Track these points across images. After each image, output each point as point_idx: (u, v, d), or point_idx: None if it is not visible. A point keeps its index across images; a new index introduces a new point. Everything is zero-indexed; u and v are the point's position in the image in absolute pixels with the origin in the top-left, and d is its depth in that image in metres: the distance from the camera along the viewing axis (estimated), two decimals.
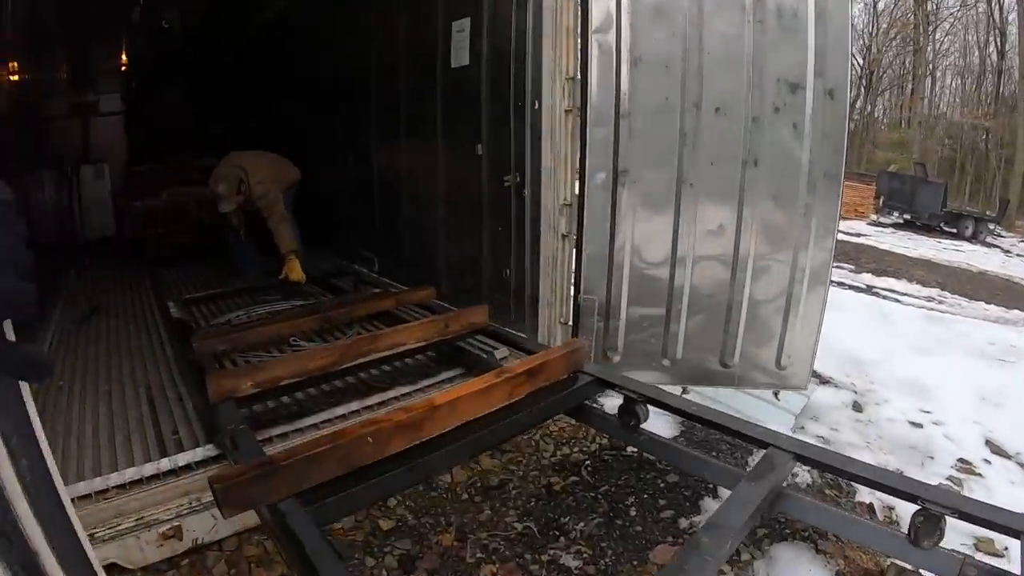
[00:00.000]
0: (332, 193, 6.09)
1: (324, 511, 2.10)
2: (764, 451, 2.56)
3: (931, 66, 30.80)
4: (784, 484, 2.41)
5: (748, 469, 2.79)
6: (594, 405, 3.36)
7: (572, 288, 3.68)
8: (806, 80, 3.30)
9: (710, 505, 3.13)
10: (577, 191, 3.55)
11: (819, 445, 2.74)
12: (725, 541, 1.96)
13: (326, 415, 3.00)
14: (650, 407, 2.95)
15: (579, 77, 3.47)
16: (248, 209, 5.30)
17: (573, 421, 3.64)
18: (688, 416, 2.87)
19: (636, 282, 3.61)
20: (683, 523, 3.04)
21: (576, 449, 3.62)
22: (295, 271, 5.02)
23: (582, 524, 2.97)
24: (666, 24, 3.36)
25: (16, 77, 4.77)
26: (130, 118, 8.76)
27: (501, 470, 3.39)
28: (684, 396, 3.77)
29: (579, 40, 3.44)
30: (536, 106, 3.56)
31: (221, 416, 2.65)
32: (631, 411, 2.92)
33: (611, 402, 3.48)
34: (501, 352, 3.54)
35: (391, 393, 3.24)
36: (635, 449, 3.42)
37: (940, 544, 2.17)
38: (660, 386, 3.36)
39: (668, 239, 3.56)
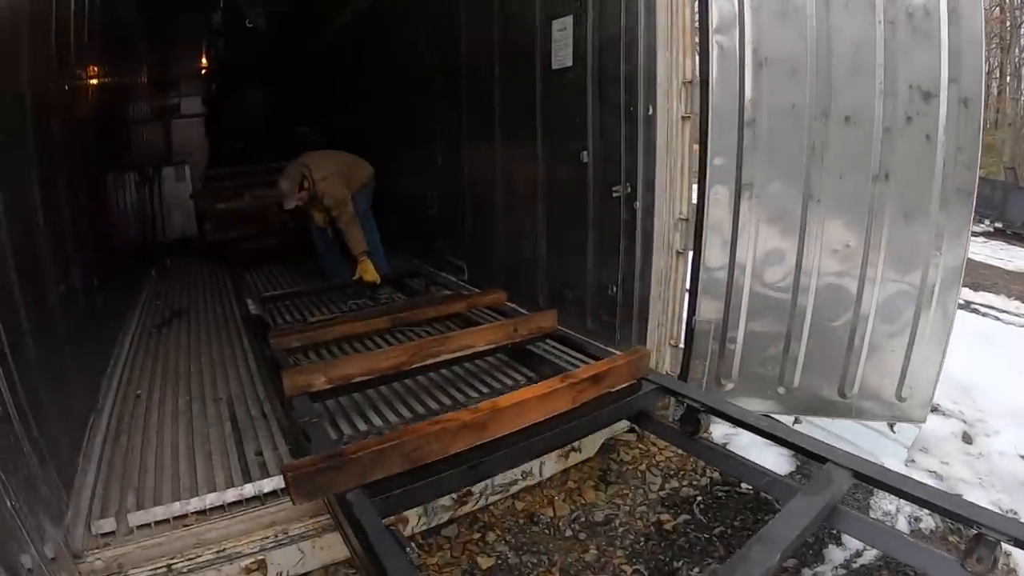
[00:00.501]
0: (416, 197, 5.98)
1: (388, 503, 2.19)
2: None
3: (1019, 64, 29.02)
4: (840, 499, 2.31)
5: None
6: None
7: (686, 309, 3.39)
8: (939, 87, 2.96)
9: (835, 555, 2.89)
10: (694, 204, 3.25)
11: (876, 463, 2.50)
12: (774, 554, 1.92)
13: (394, 412, 3.13)
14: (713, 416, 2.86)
15: (697, 80, 3.18)
16: (319, 208, 5.30)
17: (680, 451, 3.41)
18: (747, 427, 2.73)
19: (755, 304, 3.32)
20: (807, 573, 2.75)
21: (686, 482, 3.36)
22: (368, 272, 5.06)
23: (697, 570, 2.71)
24: (792, 23, 3.05)
25: (100, 80, 4.79)
26: (211, 121, 8.84)
27: (606, 504, 3.16)
28: (795, 426, 3.50)
29: (697, 40, 3.17)
30: (650, 111, 3.30)
31: (295, 409, 2.74)
32: (693, 420, 2.81)
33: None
34: (568, 357, 3.55)
35: (457, 393, 3.32)
36: (750, 487, 3.18)
37: (994, 571, 2.08)
38: (773, 416, 3.16)
39: (792, 259, 3.25)
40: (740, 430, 3.03)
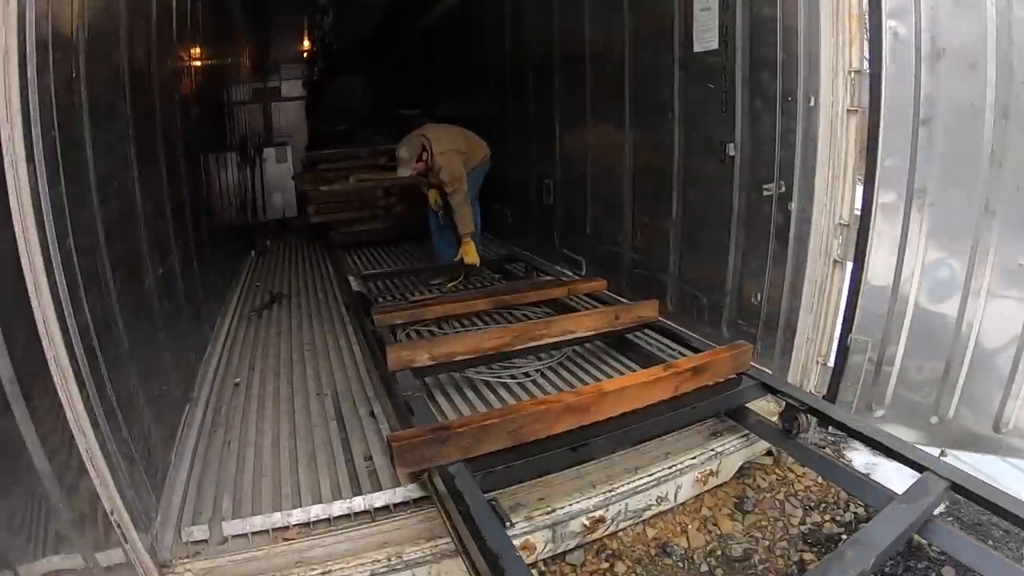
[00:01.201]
0: (530, 185, 5.77)
1: (490, 479, 2.21)
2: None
3: None
4: (936, 511, 2.28)
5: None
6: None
7: (839, 324, 3.05)
8: None
9: None
10: (858, 209, 2.90)
11: (976, 476, 2.35)
12: (868, 557, 1.90)
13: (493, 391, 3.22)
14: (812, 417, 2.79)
15: (866, 71, 2.84)
16: (433, 183, 5.24)
17: (820, 479, 3.12)
18: (849, 431, 2.68)
19: (917, 324, 2.96)
20: None
21: (828, 516, 3.03)
22: (470, 254, 5.03)
23: None
24: (972, 10, 2.67)
25: (203, 62, 4.81)
26: (313, 103, 8.89)
27: (744, 536, 2.87)
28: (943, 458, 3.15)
29: (867, 25, 2.82)
30: (811, 103, 2.97)
31: (399, 383, 2.81)
32: (792, 419, 2.73)
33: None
34: (668, 348, 3.53)
35: (556, 377, 3.38)
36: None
37: None
38: (923, 447, 2.75)
39: (960, 276, 2.87)
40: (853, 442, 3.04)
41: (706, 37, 3.44)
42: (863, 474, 2.53)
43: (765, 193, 3.17)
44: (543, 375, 3.40)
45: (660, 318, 3.60)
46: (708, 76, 3.45)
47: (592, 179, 4.73)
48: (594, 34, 4.53)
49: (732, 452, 2.92)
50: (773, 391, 2.89)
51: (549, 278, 4.87)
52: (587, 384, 3.12)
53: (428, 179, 5.30)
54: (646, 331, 3.63)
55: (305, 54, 9.16)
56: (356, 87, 9.56)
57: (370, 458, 2.59)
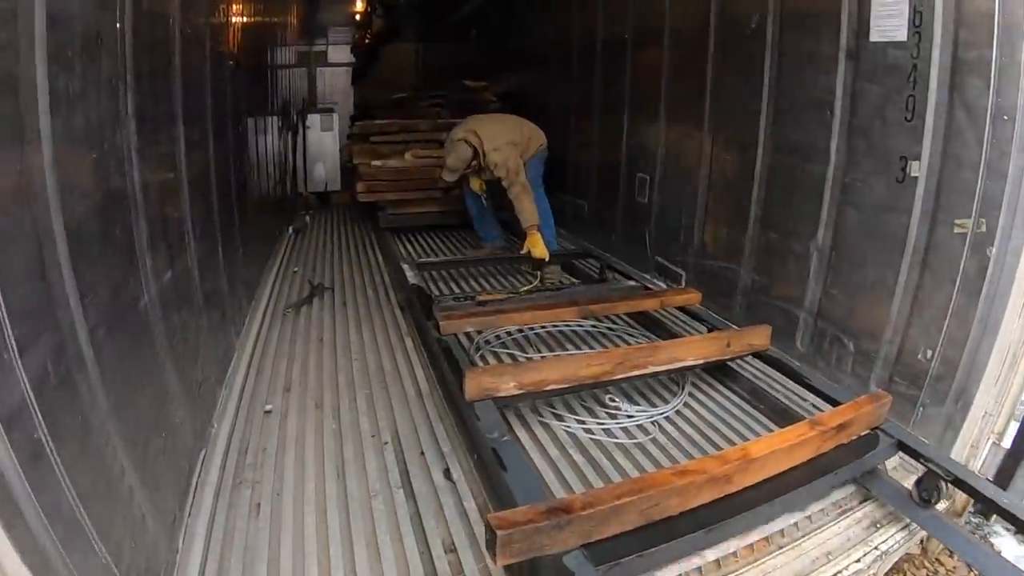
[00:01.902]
0: (617, 178, 5.12)
1: (617, 571, 1.82)
2: None
3: None
4: None
5: None
6: None
7: None
8: None
9: None
10: None
11: None
12: None
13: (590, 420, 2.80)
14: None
15: None
16: (486, 178, 4.87)
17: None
18: (995, 507, 2.20)
19: None
20: None
21: None
22: (537, 247, 4.57)
23: None
24: None
25: (246, 19, 4.31)
26: (365, 70, 8.24)
27: None
28: None
29: None
30: None
31: (480, 419, 2.36)
32: (932, 487, 2.30)
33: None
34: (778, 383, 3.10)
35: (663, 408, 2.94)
36: None
37: None
38: None
39: None
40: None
41: (890, 25, 2.76)
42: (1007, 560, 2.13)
43: (957, 230, 2.53)
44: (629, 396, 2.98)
45: (771, 347, 3.13)
46: (888, 74, 2.78)
47: (706, 180, 4.07)
48: (723, 7, 3.84)
49: (896, 549, 2.33)
50: (912, 453, 2.43)
51: (632, 283, 4.25)
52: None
53: (480, 175, 4.93)
54: (757, 360, 3.20)
55: (357, 16, 8.50)
56: (411, 55, 8.86)
57: (453, 549, 2.00)
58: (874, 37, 2.84)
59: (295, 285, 4.45)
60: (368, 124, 5.93)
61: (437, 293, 4.26)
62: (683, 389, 3.05)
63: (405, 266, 4.30)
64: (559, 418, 2.80)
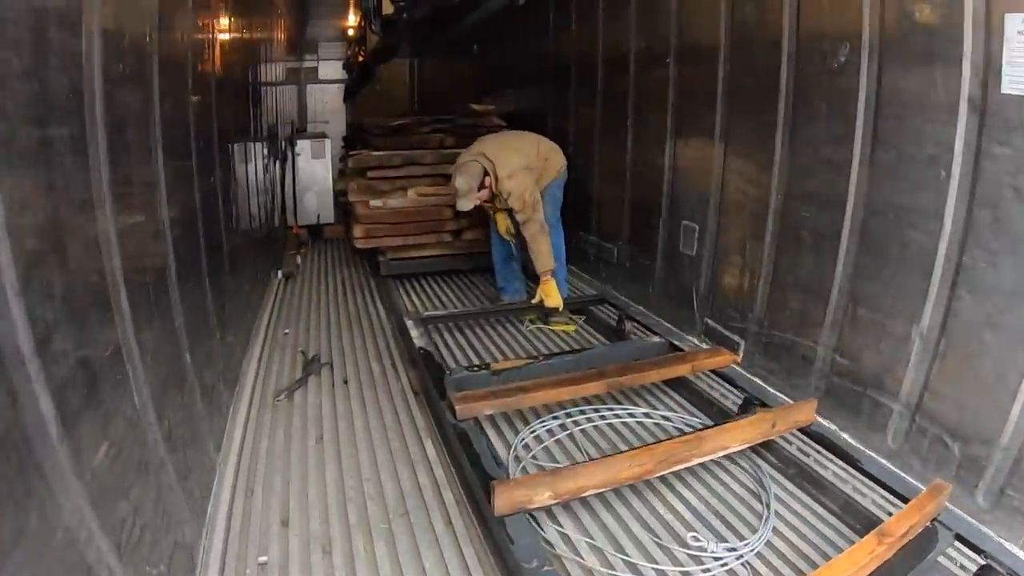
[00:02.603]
0: (655, 223, 4.48)
1: None
2: None
3: None
4: None
5: None
6: None
7: None
8: None
9: None
10: None
11: None
12: None
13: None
14: None
15: None
16: (501, 206, 4.42)
17: None
18: None
19: None
20: None
21: None
22: (552, 296, 4.25)
23: None
24: None
25: (229, 32, 3.84)
26: (357, 90, 7.62)
27: None
28: None
29: None
30: None
31: (514, 540, 2.08)
32: None
33: None
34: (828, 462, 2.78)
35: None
36: None
37: None
38: None
39: None
40: None
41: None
42: None
43: None
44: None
45: (818, 418, 2.91)
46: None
47: (775, 237, 3.45)
48: (801, 22, 3.23)
49: None
50: (974, 548, 2.17)
51: (656, 338, 3.84)
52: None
53: (495, 204, 4.46)
54: (802, 436, 2.92)
55: (350, 30, 7.90)
56: (405, 71, 8.24)
57: None
58: (1006, 88, 2.27)
59: (286, 355, 3.81)
60: (365, 156, 5.23)
61: (446, 354, 3.87)
62: (767, 516, 2.46)
63: (409, 323, 3.86)
64: (619, 548, 2.28)
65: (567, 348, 3.99)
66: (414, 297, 4.98)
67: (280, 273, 5.29)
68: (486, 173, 4.17)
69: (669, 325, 4.16)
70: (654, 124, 4.37)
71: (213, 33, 3.34)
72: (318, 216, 6.82)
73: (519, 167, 4.21)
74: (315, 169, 6.77)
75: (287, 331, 4.19)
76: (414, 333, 3.71)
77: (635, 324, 4.18)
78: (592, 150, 5.17)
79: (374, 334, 4.19)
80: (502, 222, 4.56)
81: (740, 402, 3.13)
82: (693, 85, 4.01)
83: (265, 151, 5.50)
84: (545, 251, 4.23)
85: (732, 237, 3.80)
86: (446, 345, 4.08)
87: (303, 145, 6.76)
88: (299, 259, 5.74)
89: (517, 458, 2.85)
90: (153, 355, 1.85)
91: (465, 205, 4.26)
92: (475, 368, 3.38)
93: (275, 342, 4.02)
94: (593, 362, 3.51)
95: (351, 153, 5.91)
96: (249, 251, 4.23)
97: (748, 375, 3.44)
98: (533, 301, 4.35)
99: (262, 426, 3.01)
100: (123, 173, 1.73)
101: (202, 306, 2.67)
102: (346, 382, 3.49)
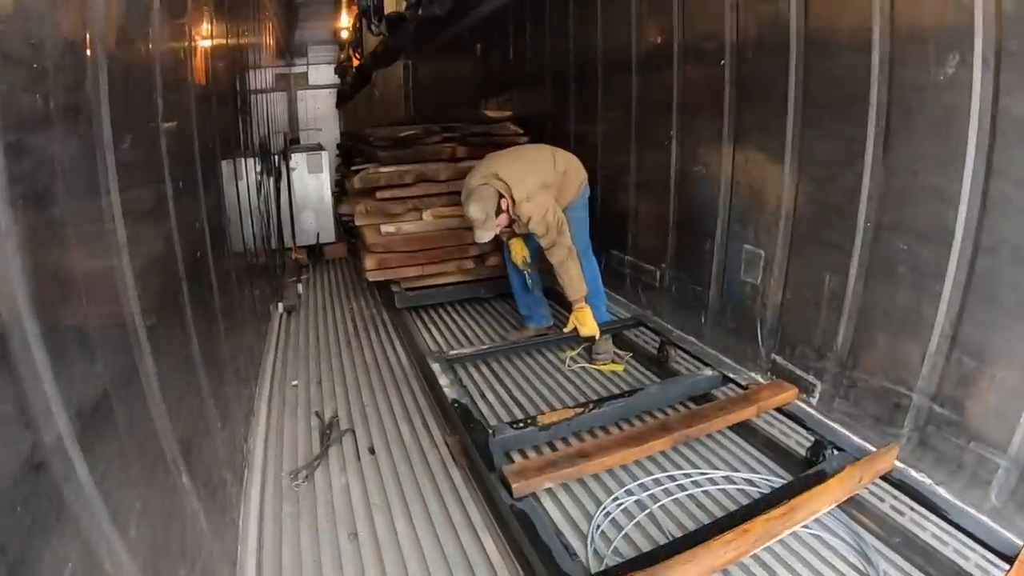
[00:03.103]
0: (708, 245, 3.97)
1: None
2: None
3: None
4: None
5: None
6: None
7: None
8: None
9: None
10: None
11: None
12: None
13: None
14: None
15: None
16: (521, 231, 4.03)
17: None
18: None
19: None
20: None
21: None
22: (587, 324, 3.82)
23: None
24: None
25: (209, 42, 3.34)
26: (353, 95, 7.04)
27: None
28: None
29: None
30: None
31: None
32: None
33: None
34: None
35: None
36: None
37: None
38: None
39: None
40: None
41: None
42: None
43: None
44: None
45: (904, 467, 2.65)
46: None
47: (862, 270, 2.97)
48: (897, 16, 2.72)
49: None
50: None
51: (708, 371, 3.45)
52: None
53: (512, 229, 4.06)
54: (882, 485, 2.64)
55: (344, 32, 7.33)
56: (399, 73, 7.66)
57: None
58: None
59: (299, 417, 3.29)
60: (372, 174, 4.66)
61: (481, 403, 3.43)
62: None
63: (435, 367, 3.43)
64: None
65: (614, 387, 3.61)
66: (434, 331, 4.48)
67: (281, 306, 4.77)
68: (501, 196, 3.71)
69: (726, 359, 3.69)
70: (707, 134, 3.85)
71: (191, 39, 2.83)
72: (318, 235, 6.28)
73: (536, 186, 3.74)
74: (312, 185, 6.23)
75: (295, 382, 3.68)
76: (443, 381, 3.27)
77: (678, 350, 3.80)
78: (626, 161, 4.65)
79: (396, 383, 3.68)
80: (517, 251, 4.11)
81: (810, 444, 2.85)
82: (756, 89, 3.49)
83: (257, 167, 4.96)
84: (576, 276, 3.80)
85: (808, 266, 3.30)
86: (479, 390, 3.61)
87: (298, 159, 6.21)
88: (300, 287, 5.20)
89: (596, 551, 2.36)
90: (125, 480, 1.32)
91: (484, 236, 3.77)
92: (520, 424, 2.92)
93: (283, 399, 3.50)
94: (647, 405, 3.25)
95: (355, 169, 5.36)
96: (244, 286, 3.69)
97: (816, 414, 3.07)
98: (565, 330, 3.91)
99: (281, 522, 2.49)
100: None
101: (192, 384, 2.14)
102: (373, 452, 2.98)
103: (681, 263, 4.26)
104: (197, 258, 2.45)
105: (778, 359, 3.50)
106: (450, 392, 3.17)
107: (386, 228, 4.48)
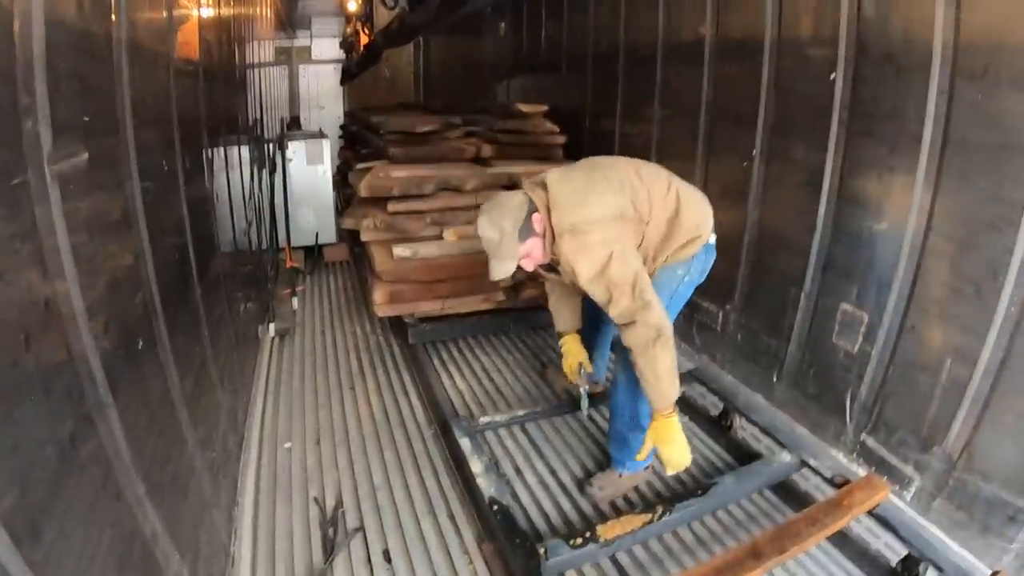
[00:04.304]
0: (791, 300, 3.30)
1: None
2: None
3: None
4: None
5: None
6: None
7: None
8: None
9: None
10: None
11: None
12: None
13: None
14: None
15: None
16: (567, 280, 2.55)
17: None
18: None
19: None
20: None
21: None
22: (675, 446, 2.39)
23: None
24: None
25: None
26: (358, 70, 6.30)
27: None
28: None
29: None
30: None
31: None
32: None
33: None
34: None
35: None
36: None
37: None
38: None
39: None
40: None
41: None
42: None
43: None
44: None
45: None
46: None
47: (1004, 356, 2.36)
48: None
49: None
50: None
51: (786, 456, 2.80)
52: None
53: (559, 278, 2.66)
54: None
55: (352, 3, 6.57)
56: (408, 53, 6.91)
57: None
58: None
59: (295, 506, 2.64)
60: (383, 178, 3.91)
61: (521, 491, 2.77)
62: None
63: (463, 442, 2.82)
64: None
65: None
66: (454, 373, 3.79)
67: (272, 328, 4.10)
68: (534, 209, 2.38)
69: (802, 428, 3.16)
70: (803, 164, 3.19)
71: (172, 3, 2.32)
72: (316, 235, 5.58)
73: (603, 215, 2.34)
74: (311, 177, 5.52)
75: (289, 444, 3.03)
76: (476, 468, 2.65)
77: (743, 420, 3.15)
78: (689, 173, 3.94)
79: (412, 452, 3.03)
80: (573, 350, 2.96)
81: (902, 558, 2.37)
82: (877, 118, 2.80)
83: (251, 157, 4.27)
84: (666, 372, 2.32)
85: (925, 346, 2.69)
86: (518, 473, 2.91)
87: (296, 148, 5.48)
88: (295, 302, 4.52)
89: None
90: None
91: (500, 270, 2.41)
92: (579, 542, 2.28)
93: (274, 471, 2.85)
94: (721, 503, 2.66)
95: (361, 168, 4.66)
96: (229, 303, 3.05)
97: (910, 512, 2.59)
98: (638, 458, 2.64)
99: None
100: None
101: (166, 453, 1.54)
102: (389, 559, 2.36)
103: (752, 308, 3.62)
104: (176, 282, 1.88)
105: (869, 442, 2.93)
106: (486, 486, 2.56)
107: (400, 252, 3.77)
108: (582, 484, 2.79)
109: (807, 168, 3.14)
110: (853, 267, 2.97)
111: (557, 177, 2.44)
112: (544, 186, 2.41)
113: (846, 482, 2.56)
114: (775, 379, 3.44)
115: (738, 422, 3.22)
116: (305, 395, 3.47)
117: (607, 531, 2.34)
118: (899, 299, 2.74)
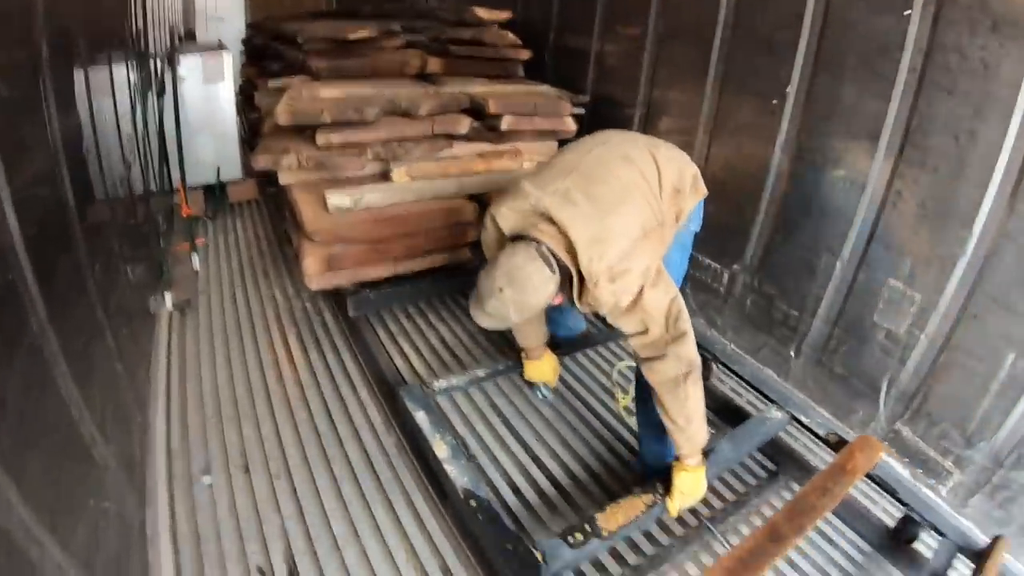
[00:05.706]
0: (825, 268, 2.85)
1: None
2: None
3: None
4: None
5: None
6: None
7: None
8: None
9: None
10: None
11: None
12: None
13: None
14: None
15: None
16: (587, 309, 2.13)
17: None
18: None
19: None
20: None
21: None
22: (697, 488, 2.16)
23: None
24: None
25: None
26: None
27: None
28: None
29: None
30: None
31: None
32: None
33: None
34: None
35: None
36: None
37: None
38: None
39: None
40: None
41: None
42: None
43: None
44: None
45: None
46: None
47: None
48: None
49: None
50: None
51: (778, 414, 2.57)
52: None
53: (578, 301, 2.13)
54: None
55: None
56: None
57: None
58: None
59: (228, 571, 1.95)
60: (307, 99, 3.04)
61: (496, 475, 2.40)
62: None
63: (421, 418, 2.36)
64: None
65: None
66: (403, 342, 3.11)
67: (169, 299, 3.21)
68: (556, 261, 1.93)
69: (821, 410, 2.81)
70: (855, 110, 2.62)
71: None
72: (218, 171, 4.59)
73: (632, 241, 1.96)
74: (210, 99, 4.47)
75: (208, 479, 2.28)
76: (441, 453, 2.20)
77: (768, 402, 2.70)
78: (695, 107, 3.33)
79: (370, 461, 2.40)
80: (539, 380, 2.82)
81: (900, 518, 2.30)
82: (960, 71, 2.27)
83: (132, 77, 3.28)
84: (696, 412, 2.04)
85: (985, 335, 2.35)
86: (482, 444, 2.50)
87: (190, 63, 4.39)
88: (196, 259, 3.65)
89: None
90: None
91: (489, 324, 2.08)
92: (575, 539, 1.95)
93: (194, 526, 2.11)
94: (720, 470, 2.44)
95: (272, 83, 3.76)
96: (103, 270, 2.18)
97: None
98: (672, 512, 2.19)
99: None
100: None
101: None
102: None
103: (769, 270, 3.12)
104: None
105: (905, 431, 2.64)
106: (457, 475, 2.13)
107: (336, 200, 2.92)
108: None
109: (859, 117, 2.60)
110: (908, 241, 2.52)
111: (559, 203, 1.95)
112: (551, 220, 1.95)
113: (840, 440, 2.42)
114: (793, 354, 3.00)
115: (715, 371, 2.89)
116: (220, 400, 2.69)
117: (608, 521, 2.03)
118: (962, 283, 2.36)
